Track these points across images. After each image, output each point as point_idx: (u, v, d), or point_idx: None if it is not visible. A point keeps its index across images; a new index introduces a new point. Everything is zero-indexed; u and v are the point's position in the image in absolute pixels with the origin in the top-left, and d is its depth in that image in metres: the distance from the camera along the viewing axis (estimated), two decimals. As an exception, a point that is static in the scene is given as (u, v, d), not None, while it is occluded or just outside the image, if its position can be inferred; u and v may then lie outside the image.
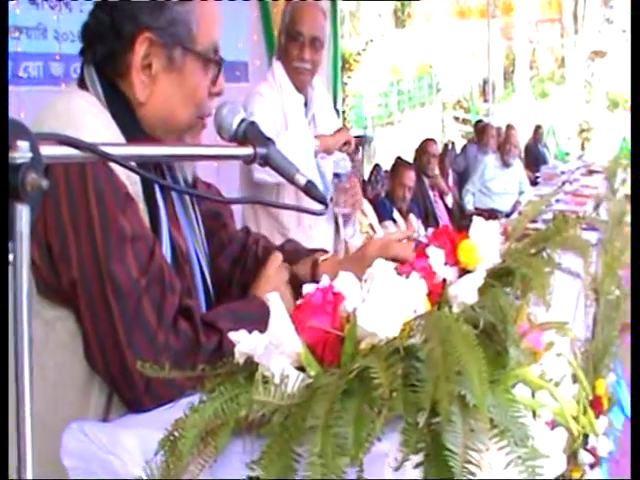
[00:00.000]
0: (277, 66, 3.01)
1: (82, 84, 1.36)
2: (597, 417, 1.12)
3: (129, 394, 1.23)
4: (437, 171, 7.04)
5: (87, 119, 1.26)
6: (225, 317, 1.33)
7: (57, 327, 1.26)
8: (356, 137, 7.35)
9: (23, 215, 0.80)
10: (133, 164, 1.08)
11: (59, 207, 1.21)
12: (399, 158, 6.13)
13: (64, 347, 1.26)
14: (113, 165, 1.20)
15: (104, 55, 1.34)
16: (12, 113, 0.84)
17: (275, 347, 0.92)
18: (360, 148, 6.75)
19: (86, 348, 1.25)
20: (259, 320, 1.00)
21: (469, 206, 7.45)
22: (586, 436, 1.11)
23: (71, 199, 1.21)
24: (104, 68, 1.35)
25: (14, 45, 3.65)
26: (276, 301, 0.96)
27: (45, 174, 1.14)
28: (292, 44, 2.96)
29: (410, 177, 5.68)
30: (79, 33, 1.39)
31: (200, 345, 1.27)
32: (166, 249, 1.33)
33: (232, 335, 1.00)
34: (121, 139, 1.30)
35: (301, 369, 0.92)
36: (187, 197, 1.48)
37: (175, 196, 1.45)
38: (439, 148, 7.41)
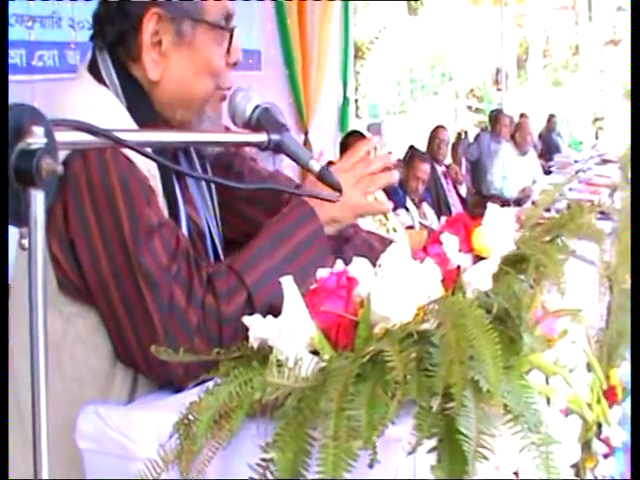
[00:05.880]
0: None
1: (93, 70, 1.34)
2: (611, 407, 1.11)
3: (171, 384, 1.19)
4: (450, 159, 7.01)
5: (103, 115, 1.21)
6: None
7: (77, 323, 1.24)
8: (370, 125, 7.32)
9: (38, 201, 0.80)
10: (149, 150, 1.07)
11: (82, 203, 1.19)
12: (413, 148, 6.09)
13: (84, 343, 1.24)
14: (134, 159, 1.19)
15: (115, 37, 1.32)
16: (25, 102, 0.84)
17: (289, 331, 0.92)
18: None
19: (119, 344, 1.22)
20: None
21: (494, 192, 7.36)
22: (600, 426, 1.10)
23: (93, 195, 1.18)
24: (116, 52, 1.33)
25: (27, 34, 3.65)
26: (290, 285, 0.96)
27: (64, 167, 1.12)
28: None
29: (424, 170, 5.63)
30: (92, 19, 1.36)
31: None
32: (185, 233, 1.30)
33: (246, 319, 1.00)
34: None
35: (315, 353, 0.93)
36: (198, 167, 1.44)
37: (185, 168, 1.41)
38: (450, 135, 7.36)
